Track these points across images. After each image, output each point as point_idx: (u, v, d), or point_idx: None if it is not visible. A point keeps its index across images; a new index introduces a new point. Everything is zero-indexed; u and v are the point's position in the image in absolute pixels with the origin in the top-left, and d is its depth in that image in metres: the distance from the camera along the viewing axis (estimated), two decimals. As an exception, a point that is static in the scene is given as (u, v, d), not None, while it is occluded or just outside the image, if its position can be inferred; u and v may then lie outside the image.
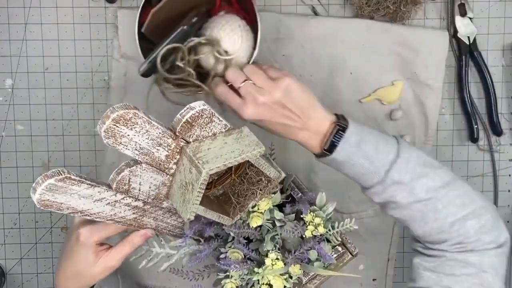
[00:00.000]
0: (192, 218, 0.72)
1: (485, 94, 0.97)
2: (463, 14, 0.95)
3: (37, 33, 0.95)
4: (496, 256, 0.72)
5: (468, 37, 0.95)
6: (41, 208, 0.66)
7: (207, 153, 0.69)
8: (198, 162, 0.68)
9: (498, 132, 0.97)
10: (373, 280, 1.00)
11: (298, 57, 0.94)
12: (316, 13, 0.95)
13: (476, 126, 0.96)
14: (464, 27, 0.95)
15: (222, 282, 0.80)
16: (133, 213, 0.75)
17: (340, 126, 0.74)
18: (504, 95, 0.98)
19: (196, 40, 0.78)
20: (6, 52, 0.95)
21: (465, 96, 0.96)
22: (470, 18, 0.95)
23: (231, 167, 0.78)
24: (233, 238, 0.82)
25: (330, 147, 0.74)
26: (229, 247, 0.81)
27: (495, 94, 0.96)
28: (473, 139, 0.97)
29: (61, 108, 0.96)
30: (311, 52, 0.94)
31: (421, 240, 0.77)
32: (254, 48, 0.81)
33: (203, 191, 0.69)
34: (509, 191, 1.00)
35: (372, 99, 0.95)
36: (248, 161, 0.73)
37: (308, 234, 0.78)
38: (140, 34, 0.81)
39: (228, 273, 0.80)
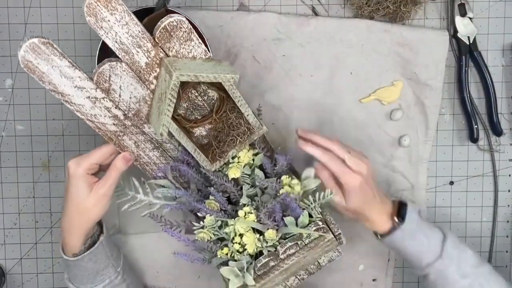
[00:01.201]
0: (164, 134, 0.75)
1: (485, 94, 0.97)
2: (463, 14, 0.95)
3: (37, 33, 0.95)
4: None
5: (468, 37, 0.95)
6: (25, 69, 0.70)
7: (183, 66, 0.74)
8: (171, 68, 0.72)
9: (498, 132, 0.97)
10: (373, 280, 1.00)
11: (298, 57, 0.94)
12: (316, 13, 0.96)
13: (476, 126, 0.96)
14: (464, 27, 0.95)
15: (196, 232, 0.81)
16: (114, 124, 0.78)
17: (402, 203, 0.85)
18: (504, 95, 0.98)
19: None
20: (6, 52, 0.95)
21: (465, 96, 0.96)
22: (470, 18, 0.95)
23: (212, 108, 0.81)
24: (213, 194, 0.83)
25: (399, 221, 0.84)
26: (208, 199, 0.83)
27: (495, 94, 0.96)
28: (473, 139, 0.97)
29: (61, 108, 0.96)
30: (311, 52, 0.94)
31: None
32: None
33: (174, 99, 0.73)
34: (509, 191, 1.00)
35: (372, 99, 0.95)
36: (227, 103, 0.78)
37: (282, 192, 0.80)
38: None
39: (203, 223, 0.81)
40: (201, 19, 0.92)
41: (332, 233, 0.81)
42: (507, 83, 0.98)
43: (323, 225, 0.81)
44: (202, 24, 0.91)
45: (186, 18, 0.84)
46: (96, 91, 0.75)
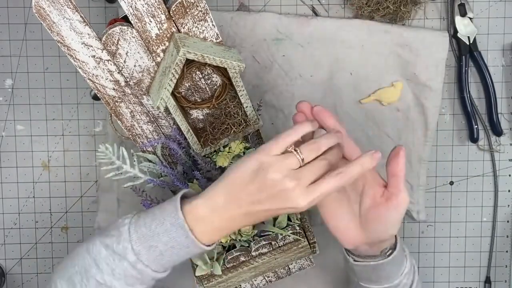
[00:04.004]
0: (161, 107, 0.75)
1: (485, 94, 0.97)
2: (463, 14, 0.95)
3: (37, 33, 0.95)
4: None
5: (468, 37, 0.95)
6: (36, 15, 0.70)
7: (192, 44, 0.74)
8: (180, 44, 0.72)
9: (498, 132, 0.97)
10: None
11: (298, 58, 0.94)
12: (316, 14, 0.95)
13: (476, 126, 0.96)
14: (464, 27, 0.95)
15: None
16: (113, 89, 0.78)
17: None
18: (504, 95, 0.98)
19: None
20: (6, 52, 0.95)
21: (465, 96, 0.96)
22: (470, 18, 0.95)
23: (214, 94, 0.80)
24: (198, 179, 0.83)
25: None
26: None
27: (495, 94, 0.96)
28: (473, 139, 0.97)
29: (61, 108, 0.97)
30: (311, 52, 0.94)
31: None
32: None
33: (177, 75, 0.73)
34: (509, 191, 1.00)
35: (371, 100, 0.95)
36: (231, 92, 0.77)
37: None
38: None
39: None
40: (201, 19, 0.92)
41: (307, 240, 0.81)
42: (507, 83, 0.98)
43: (299, 230, 0.81)
44: (202, 24, 0.91)
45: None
46: (102, 51, 0.75)
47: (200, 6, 0.74)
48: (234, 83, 0.77)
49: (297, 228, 0.81)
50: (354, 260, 0.74)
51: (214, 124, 0.83)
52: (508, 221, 1.00)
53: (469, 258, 1.01)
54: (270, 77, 0.95)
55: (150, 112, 0.82)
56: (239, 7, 0.95)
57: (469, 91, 0.96)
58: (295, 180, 0.63)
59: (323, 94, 0.95)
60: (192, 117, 0.83)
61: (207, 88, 0.81)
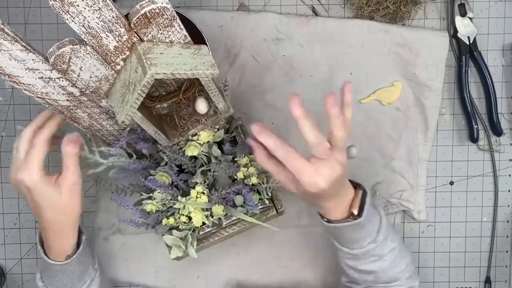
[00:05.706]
0: (126, 121, 0.70)
1: (485, 94, 0.97)
2: (463, 14, 0.95)
3: (37, 33, 0.95)
4: None
5: (468, 37, 0.95)
6: None
7: (158, 57, 0.66)
8: (146, 62, 0.65)
9: (498, 132, 0.97)
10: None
11: (298, 58, 0.94)
12: (316, 13, 0.96)
13: (476, 126, 0.96)
14: (464, 27, 0.95)
15: (143, 202, 0.80)
16: (67, 100, 0.72)
17: (363, 190, 0.79)
18: (504, 95, 0.98)
19: None
20: (6, 52, 0.95)
21: (465, 96, 0.96)
22: (470, 18, 0.95)
23: (182, 86, 0.76)
24: (166, 163, 0.81)
25: (357, 215, 0.77)
26: (159, 171, 0.81)
27: (495, 94, 0.96)
28: (473, 139, 0.97)
29: (61, 108, 0.96)
30: (311, 52, 0.94)
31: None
32: None
33: (144, 94, 0.67)
34: (509, 191, 1.00)
35: (371, 100, 0.95)
36: (198, 86, 0.73)
37: (240, 176, 0.80)
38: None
39: (151, 195, 0.80)
40: (201, 19, 0.92)
41: (276, 210, 0.84)
42: (507, 83, 0.98)
43: (269, 204, 0.83)
44: (202, 24, 0.91)
45: (186, 15, 0.84)
46: (51, 72, 0.68)
47: (166, 14, 0.66)
48: (206, 89, 0.72)
49: (267, 202, 0.83)
50: (322, 219, 0.79)
51: (181, 115, 0.79)
52: (508, 221, 1.00)
53: (469, 258, 1.01)
54: (270, 77, 0.95)
55: (110, 111, 0.77)
56: (239, 7, 0.95)
57: (469, 91, 0.96)
58: (15, 166, 0.76)
59: (323, 94, 0.95)
60: (156, 106, 0.78)
61: (172, 81, 0.76)
